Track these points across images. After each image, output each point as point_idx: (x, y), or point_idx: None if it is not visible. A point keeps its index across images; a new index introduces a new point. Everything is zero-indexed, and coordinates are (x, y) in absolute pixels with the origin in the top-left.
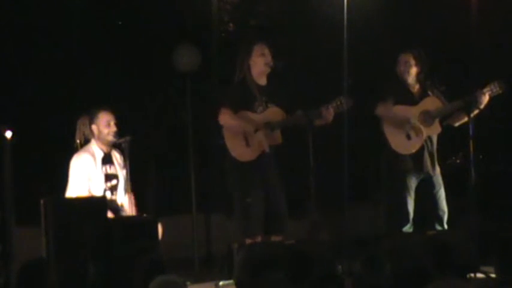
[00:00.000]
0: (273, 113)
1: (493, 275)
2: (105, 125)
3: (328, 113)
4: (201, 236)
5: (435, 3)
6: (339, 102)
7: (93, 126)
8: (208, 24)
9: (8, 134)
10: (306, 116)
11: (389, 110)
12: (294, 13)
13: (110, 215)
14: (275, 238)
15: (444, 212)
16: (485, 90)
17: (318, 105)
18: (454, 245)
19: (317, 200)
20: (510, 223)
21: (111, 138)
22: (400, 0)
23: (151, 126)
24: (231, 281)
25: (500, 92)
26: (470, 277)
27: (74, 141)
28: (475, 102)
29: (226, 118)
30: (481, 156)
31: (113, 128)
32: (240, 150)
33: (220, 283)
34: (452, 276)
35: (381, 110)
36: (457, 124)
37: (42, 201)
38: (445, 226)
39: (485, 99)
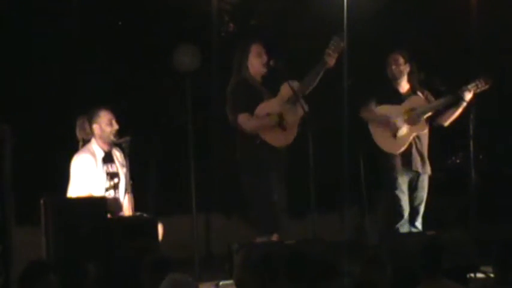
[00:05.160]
0: (285, 90)
1: (492, 275)
2: (107, 123)
3: (330, 58)
4: (201, 236)
5: (435, 3)
6: (335, 43)
7: (95, 126)
8: (208, 24)
9: (8, 134)
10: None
11: (372, 111)
12: (293, 13)
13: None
14: (274, 237)
15: (418, 213)
16: (470, 86)
17: (318, 106)
18: (454, 245)
19: (317, 199)
20: (509, 223)
21: (113, 136)
22: (400, 0)
23: (151, 126)
24: (231, 281)
25: (486, 87)
26: (470, 277)
27: (77, 141)
28: (460, 98)
29: (246, 123)
30: (481, 156)
31: (115, 126)
32: (279, 138)
33: (220, 283)
34: (452, 277)
35: (364, 113)
36: (446, 123)
37: (42, 201)
38: (417, 226)
39: (470, 95)
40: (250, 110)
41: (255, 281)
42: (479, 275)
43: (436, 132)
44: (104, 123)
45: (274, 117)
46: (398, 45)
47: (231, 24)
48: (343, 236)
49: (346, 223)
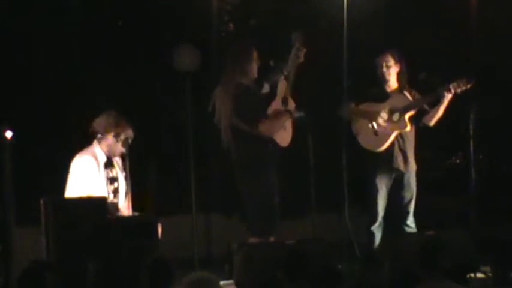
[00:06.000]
0: (282, 88)
1: (491, 275)
2: (123, 142)
3: (301, 53)
4: (201, 236)
5: (435, 2)
6: (297, 39)
7: (113, 134)
8: (208, 24)
9: (8, 134)
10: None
11: (350, 110)
12: (293, 13)
13: None
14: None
15: (408, 213)
16: (451, 85)
17: (318, 106)
18: (454, 245)
19: (317, 200)
20: (509, 223)
21: (117, 155)
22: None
23: (151, 126)
24: (231, 281)
25: (468, 87)
26: (470, 277)
27: (93, 131)
28: (440, 96)
29: (267, 130)
30: (481, 156)
31: (123, 149)
32: (284, 137)
33: (220, 283)
34: (451, 277)
35: (340, 111)
36: (432, 123)
37: (42, 201)
38: (410, 225)
39: (450, 93)
40: (266, 115)
41: (255, 281)
42: (479, 275)
43: (437, 132)
44: (121, 141)
45: (287, 117)
46: (389, 46)
47: (231, 24)
48: (343, 236)
49: (346, 223)
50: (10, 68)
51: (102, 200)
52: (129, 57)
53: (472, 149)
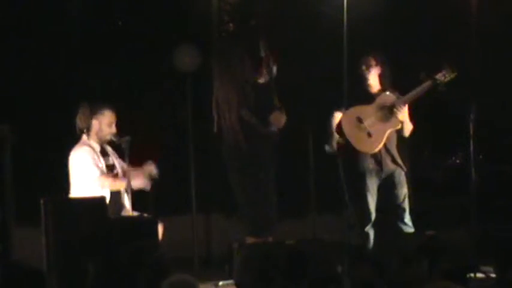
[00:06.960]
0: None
1: (492, 275)
2: (107, 124)
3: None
4: (201, 236)
5: (435, 2)
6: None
7: (95, 122)
8: (208, 24)
9: (8, 134)
10: None
11: (338, 140)
12: (293, 13)
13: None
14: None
15: (404, 210)
16: (437, 76)
17: (317, 106)
18: (454, 245)
19: (317, 200)
20: (509, 222)
21: (109, 137)
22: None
23: (151, 125)
24: (231, 281)
25: (453, 76)
26: (470, 277)
27: (78, 129)
28: (427, 88)
29: (278, 122)
30: (481, 156)
31: (113, 130)
32: None
33: (220, 283)
34: (451, 277)
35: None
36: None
37: (42, 201)
38: (407, 223)
39: (436, 84)
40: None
41: (255, 281)
42: (479, 275)
43: (436, 132)
44: (105, 123)
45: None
46: (374, 47)
47: (231, 24)
48: (343, 236)
49: (345, 223)
50: (10, 68)
51: (102, 200)
52: (129, 58)
53: (472, 149)
